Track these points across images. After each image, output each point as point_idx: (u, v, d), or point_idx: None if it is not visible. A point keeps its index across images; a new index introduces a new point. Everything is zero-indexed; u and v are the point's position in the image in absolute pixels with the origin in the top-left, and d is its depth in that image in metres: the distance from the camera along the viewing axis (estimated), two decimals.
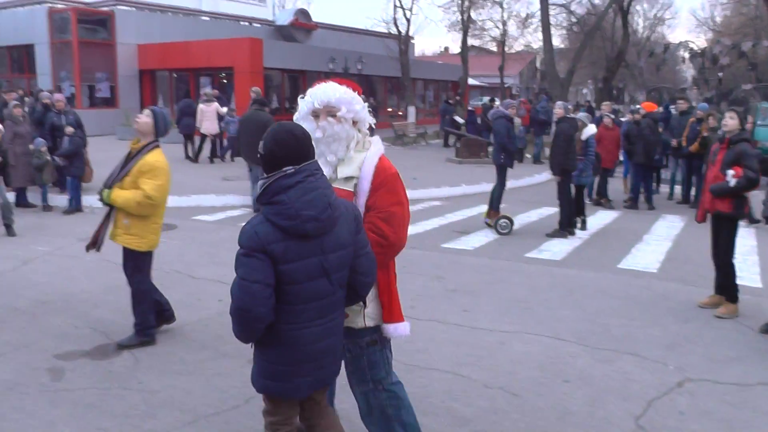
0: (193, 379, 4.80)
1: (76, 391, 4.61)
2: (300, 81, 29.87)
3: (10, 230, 9.66)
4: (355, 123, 3.20)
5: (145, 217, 5.27)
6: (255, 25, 36.28)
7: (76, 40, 27.62)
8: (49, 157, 11.21)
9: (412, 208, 11.40)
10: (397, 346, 5.30)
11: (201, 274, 7.49)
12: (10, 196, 10.40)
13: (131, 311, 5.48)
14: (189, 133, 17.91)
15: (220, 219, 10.91)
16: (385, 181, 3.13)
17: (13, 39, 29.28)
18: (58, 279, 7.42)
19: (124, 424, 4.15)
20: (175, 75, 29.43)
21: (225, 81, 26.95)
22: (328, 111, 3.12)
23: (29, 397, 4.60)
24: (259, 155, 2.81)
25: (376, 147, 3.24)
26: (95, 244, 5.45)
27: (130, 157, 5.32)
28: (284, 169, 2.72)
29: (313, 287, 2.78)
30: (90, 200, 11.43)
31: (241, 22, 36.12)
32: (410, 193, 12.53)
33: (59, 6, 29.67)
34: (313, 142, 2.87)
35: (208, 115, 17.33)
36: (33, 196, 11.84)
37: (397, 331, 3.30)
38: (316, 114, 3.14)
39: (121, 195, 5.19)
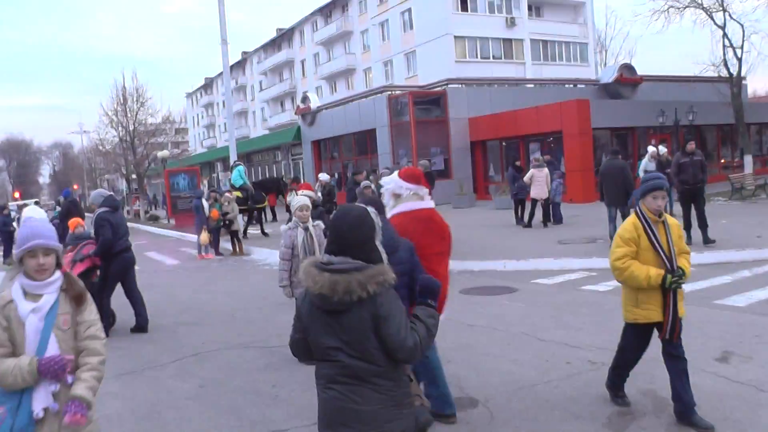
0: None
1: None
2: (629, 138, 29.16)
3: None
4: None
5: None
6: (579, 86, 36.43)
7: (412, 120, 30.18)
8: None
9: (758, 269, 10.53)
10: (756, 424, 4.96)
11: (547, 337, 7.62)
12: None
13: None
14: (521, 199, 18.47)
15: (559, 282, 11.01)
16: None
17: (358, 126, 33.12)
18: None
19: None
20: (504, 143, 30.56)
21: (553, 145, 27.30)
22: None
23: None
24: None
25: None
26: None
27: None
28: None
29: None
30: None
31: (566, 85, 36.52)
32: (755, 253, 11.60)
33: (397, 92, 32.75)
34: None
35: (539, 180, 17.68)
36: None
37: None
38: None
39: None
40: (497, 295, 10.20)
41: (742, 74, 28.51)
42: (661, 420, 5.10)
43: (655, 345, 5.18)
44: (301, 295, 3.16)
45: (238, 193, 20.70)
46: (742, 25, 27.40)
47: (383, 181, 5.30)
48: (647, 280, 4.81)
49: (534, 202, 18.14)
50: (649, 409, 5.31)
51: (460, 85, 33.12)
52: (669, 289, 4.84)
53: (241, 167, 22.72)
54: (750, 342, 7.00)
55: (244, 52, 78.07)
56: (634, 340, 5.19)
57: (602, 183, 14.10)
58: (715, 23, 27.32)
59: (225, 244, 18.42)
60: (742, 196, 22.64)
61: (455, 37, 44.72)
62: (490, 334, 7.87)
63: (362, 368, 2.93)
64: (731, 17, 27.29)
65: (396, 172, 5.27)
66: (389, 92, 32.82)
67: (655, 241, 4.88)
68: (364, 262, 2.97)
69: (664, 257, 4.85)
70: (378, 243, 3.16)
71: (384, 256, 3.18)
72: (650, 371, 6.11)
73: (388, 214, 4.89)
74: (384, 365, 2.95)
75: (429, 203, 5.12)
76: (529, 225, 18.00)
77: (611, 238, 13.01)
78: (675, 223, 5.09)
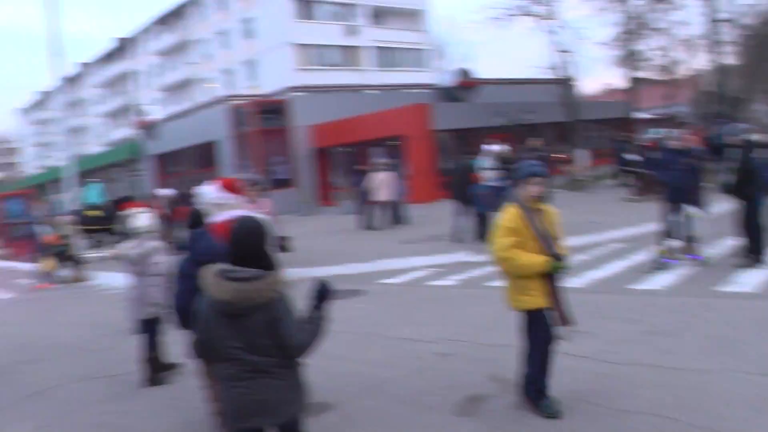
0: None
1: None
2: (470, 139, 30.20)
3: None
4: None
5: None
6: (420, 91, 37.35)
7: (255, 130, 29.82)
8: None
9: (594, 252, 11.25)
10: (599, 392, 5.28)
11: (396, 334, 7.77)
12: None
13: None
14: (365, 202, 18.70)
15: (405, 281, 11.24)
16: None
17: (199, 138, 32.28)
18: None
19: None
20: (347, 149, 30.79)
21: (396, 148, 27.78)
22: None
23: None
24: None
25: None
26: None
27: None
28: None
29: None
30: None
31: (407, 90, 37.32)
32: (590, 237, 12.29)
33: (239, 102, 32.24)
34: None
35: (384, 183, 17.99)
36: None
37: None
38: None
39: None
40: (345, 298, 10.23)
41: (573, 75, 30.42)
42: (508, 401, 5.32)
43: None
44: (204, 301, 3.46)
45: (98, 212, 19.61)
46: (571, 32, 29.25)
47: (203, 191, 5.45)
48: (533, 267, 4.75)
49: (378, 204, 18.42)
50: (498, 392, 5.54)
51: (302, 93, 33.10)
52: (551, 276, 4.82)
53: (99, 184, 21.60)
54: (589, 318, 7.41)
55: (82, 64, 74.46)
56: (540, 324, 4.94)
57: (452, 182, 15.13)
58: (546, 30, 28.91)
59: (63, 271, 17.31)
60: (576, 187, 24.05)
61: (296, 45, 44.77)
62: (338, 337, 7.83)
63: (263, 362, 3.38)
64: (561, 25, 29.04)
65: (214, 184, 5.51)
66: (231, 102, 32.26)
67: (535, 229, 4.80)
68: (260, 268, 3.38)
69: (545, 244, 4.80)
70: (268, 250, 3.51)
71: (276, 261, 3.51)
72: (494, 357, 6.37)
73: (213, 222, 5.02)
74: (281, 357, 3.40)
75: (246, 211, 5.36)
76: (373, 227, 18.28)
77: (460, 232, 13.70)
78: (552, 210, 5.06)
